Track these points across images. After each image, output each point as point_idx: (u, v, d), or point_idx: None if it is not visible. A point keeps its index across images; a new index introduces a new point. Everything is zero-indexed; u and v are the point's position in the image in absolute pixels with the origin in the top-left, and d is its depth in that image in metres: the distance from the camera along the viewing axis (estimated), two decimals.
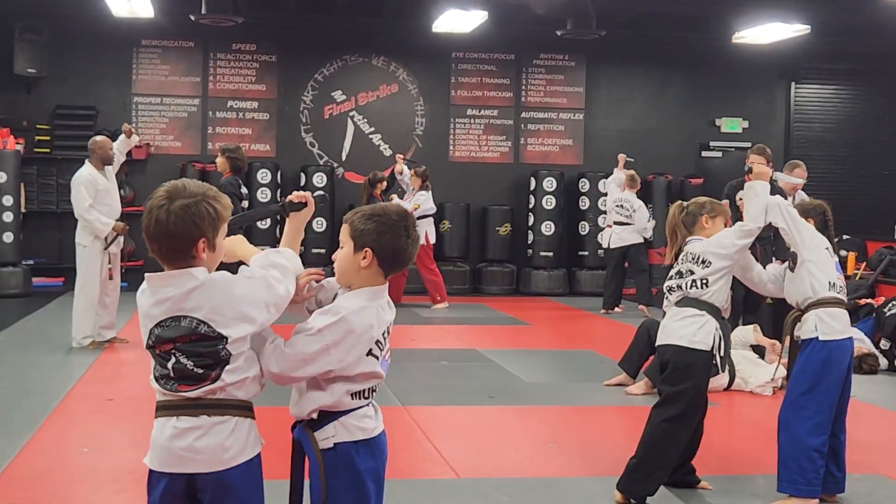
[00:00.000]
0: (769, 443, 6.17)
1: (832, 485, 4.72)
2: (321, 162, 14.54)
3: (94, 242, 8.58)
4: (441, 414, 6.54)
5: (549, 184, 14.46)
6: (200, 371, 2.60)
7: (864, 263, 12.49)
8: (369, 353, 2.75)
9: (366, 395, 2.81)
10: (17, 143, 12.82)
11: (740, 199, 5.44)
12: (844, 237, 13.36)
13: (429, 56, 14.69)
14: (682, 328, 4.66)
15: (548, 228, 14.46)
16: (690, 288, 4.71)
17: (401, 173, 12.62)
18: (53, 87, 13.76)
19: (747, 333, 7.77)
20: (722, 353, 4.67)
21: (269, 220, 12.58)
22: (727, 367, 6.93)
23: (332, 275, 2.88)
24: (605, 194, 13.33)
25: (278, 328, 2.78)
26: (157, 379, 2.66)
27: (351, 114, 14.69)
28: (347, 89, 14.65)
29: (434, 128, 14.91)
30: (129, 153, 9.72)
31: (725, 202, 5.28)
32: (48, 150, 13.73)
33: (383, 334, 2.79)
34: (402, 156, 13.24)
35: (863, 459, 5.46)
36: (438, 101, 14.91)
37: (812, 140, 16.00)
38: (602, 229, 13.01)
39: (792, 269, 4.75)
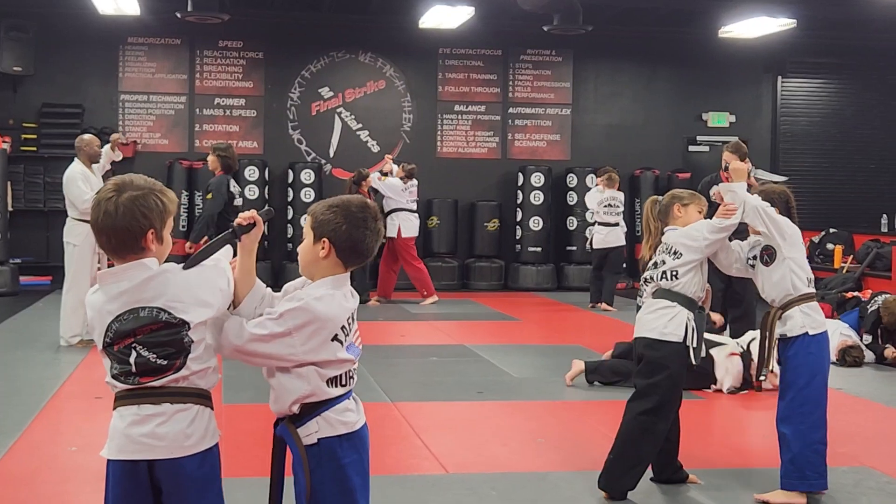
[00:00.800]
0: (755, 435, 6.21)
1: None
2: (309, 159, 14.52)
3: (84, 241, 8.55)
4: (430, 410, 6.54)
5: (537, 179, 14.48)
6: (164, 362, 2.62)
7: (851, 256, 12.56)
8: (334, 338, 2.77)
9: (342, 381, 2.82)
10: (4, 142, 12.76)
11: (713, 193, 5.45)
12: (831, 230, 13.43)
13: (416, 52, 14.68)
14: (654, 320, 4.67)
15: (536, 224, 14.48)
16: (661, 279, 4.72)
17: (387, 174, 12.45)
18: (40, 85, 13.71)
19: None
20: (695, 344, 4.61)
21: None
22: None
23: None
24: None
25: None
26: (115, 377, 2.66)
27: (338, 110, 14.67)
28: (334, 86, 14.64)
29: (421, 124, 14.90)
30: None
31: None
32: (35, 149, 13.69)
33: (348, 320, 2.82)
34: (390, 156, 13.22)
35: (849, 451, 5.49)
36: (426, 97, 14.90)
37: (798, 134, 16.05)
38: (591, 224, 13.00)
39: (766, 264, 4.71)
